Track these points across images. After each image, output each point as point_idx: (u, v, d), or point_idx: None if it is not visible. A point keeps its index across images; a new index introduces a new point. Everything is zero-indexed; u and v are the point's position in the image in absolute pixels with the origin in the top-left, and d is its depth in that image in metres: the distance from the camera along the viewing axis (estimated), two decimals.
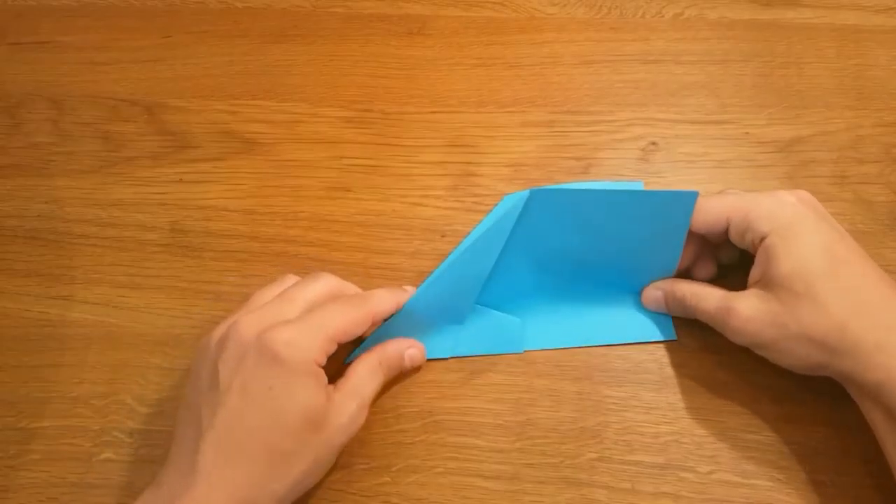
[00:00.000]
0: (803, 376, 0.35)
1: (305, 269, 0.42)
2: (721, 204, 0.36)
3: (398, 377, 0.39)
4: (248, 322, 0.33)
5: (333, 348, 0.34)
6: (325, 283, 0.36)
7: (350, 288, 0.38)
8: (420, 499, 0.36)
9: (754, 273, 0.36)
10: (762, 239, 0.35)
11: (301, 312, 0.34)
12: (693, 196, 0.37)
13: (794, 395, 0.38)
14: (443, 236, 0.43)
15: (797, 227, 0.34)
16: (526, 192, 0.38)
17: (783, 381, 0.37)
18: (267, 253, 0.43)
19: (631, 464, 0.37)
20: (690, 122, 0.47)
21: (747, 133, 0.46)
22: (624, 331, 0.40)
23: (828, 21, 0.50)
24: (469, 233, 0.43)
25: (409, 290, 0.39)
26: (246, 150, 0.47)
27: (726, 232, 0.37)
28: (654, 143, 0.46)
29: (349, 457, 0.37)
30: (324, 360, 0.33)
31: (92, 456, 0.38)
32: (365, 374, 0.36)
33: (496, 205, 0.44)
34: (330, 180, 0.46)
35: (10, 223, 0.45)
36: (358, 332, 0.35)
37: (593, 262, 0.40)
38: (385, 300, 0.37)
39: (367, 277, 0.42)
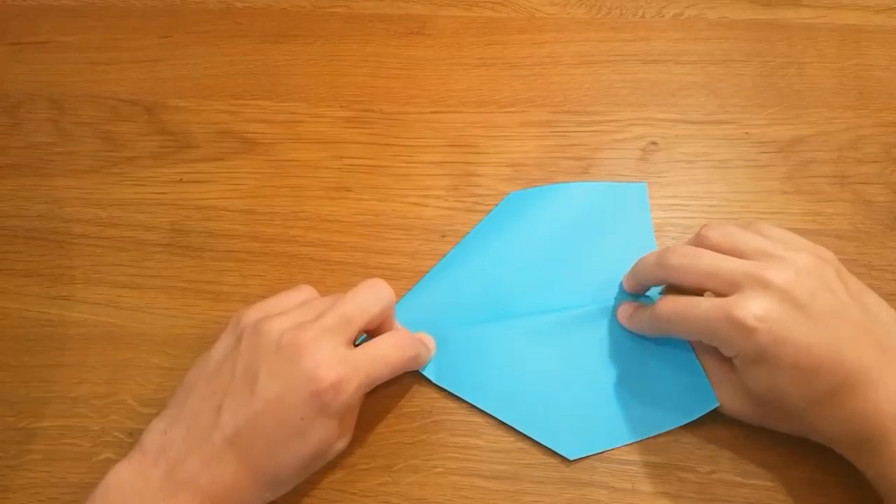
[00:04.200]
0: None
1: (305, 269, 0.43)
2: (693, 329, 0.35)
3: (398, 378, 0.39)
4: (307, 338, 0.32)
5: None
6: (377, 303, 0.35)
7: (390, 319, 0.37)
8: (420, 499, 0.36)
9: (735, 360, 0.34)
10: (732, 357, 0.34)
11: (352, 336, 0.34)
12: (642, 188, 0.42)
13: None
14: (443, 236, 0.43)
15: (760, 360, 0.32)
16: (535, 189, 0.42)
17: None
18: (267, 253, 0.43)
19: (631, 464, 0.37)
20: (690, 122, 0.47)
21: (747, 133, 0.46)
22: (667, 414, 0.37)
23: (828, 21, 0.50)
24: (468, 233, 0.43)
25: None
26: (246, 150, 0.47)
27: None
28: (654, 143, 0.46)
29: (349, 457, 0.37)
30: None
31: (92, 456, 0.38)
32: (357, 405, 0.36)
33: (499, 203, 0.44)
34: (330, 180, 0.46)
35: (10, 223, 0.45)
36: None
37: (574, 268, 0.41)
38: (425, 358, 0.38)
39: (367, 278, 0.42)
